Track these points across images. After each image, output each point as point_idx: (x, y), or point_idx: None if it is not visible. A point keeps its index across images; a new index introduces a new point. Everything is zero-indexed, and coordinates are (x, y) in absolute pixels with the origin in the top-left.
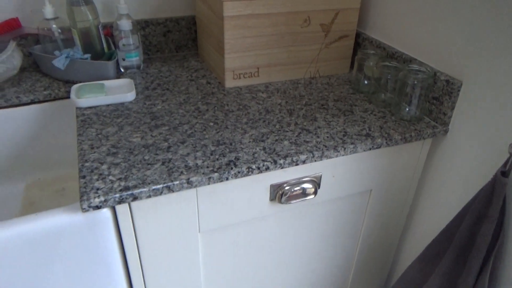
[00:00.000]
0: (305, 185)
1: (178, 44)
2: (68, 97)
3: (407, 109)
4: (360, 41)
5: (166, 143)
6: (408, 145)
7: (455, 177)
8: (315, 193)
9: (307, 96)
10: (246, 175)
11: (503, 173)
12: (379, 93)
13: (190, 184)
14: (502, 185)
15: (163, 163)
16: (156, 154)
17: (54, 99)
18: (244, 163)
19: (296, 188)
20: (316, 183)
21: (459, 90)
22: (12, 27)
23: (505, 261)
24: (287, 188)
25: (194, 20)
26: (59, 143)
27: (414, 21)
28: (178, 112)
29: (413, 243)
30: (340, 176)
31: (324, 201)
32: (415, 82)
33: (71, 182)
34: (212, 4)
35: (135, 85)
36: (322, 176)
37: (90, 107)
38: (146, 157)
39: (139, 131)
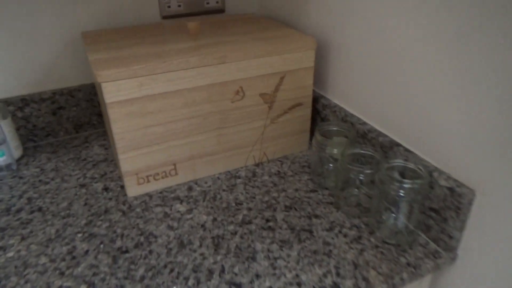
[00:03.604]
0: None
1: (77, 122)
2: None
3: (392, 221)
4: (319, 108)
5: None
6: None
7: None
8: None
9: (247, 204)
10: None
11: None
12: (350, 189)
13: None
14: None
15: None
16: None
17: None
18: None
19: None
20: None
21: (470, 204)
22: None
23: None
24: None
25: (95, 89)
26: None
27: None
28: (36, 264)
29: None
30: None
31: None
32: (401, 194)
33: None
34: (97, 85)
35: None
36: None
37: None
38: None
39: None
